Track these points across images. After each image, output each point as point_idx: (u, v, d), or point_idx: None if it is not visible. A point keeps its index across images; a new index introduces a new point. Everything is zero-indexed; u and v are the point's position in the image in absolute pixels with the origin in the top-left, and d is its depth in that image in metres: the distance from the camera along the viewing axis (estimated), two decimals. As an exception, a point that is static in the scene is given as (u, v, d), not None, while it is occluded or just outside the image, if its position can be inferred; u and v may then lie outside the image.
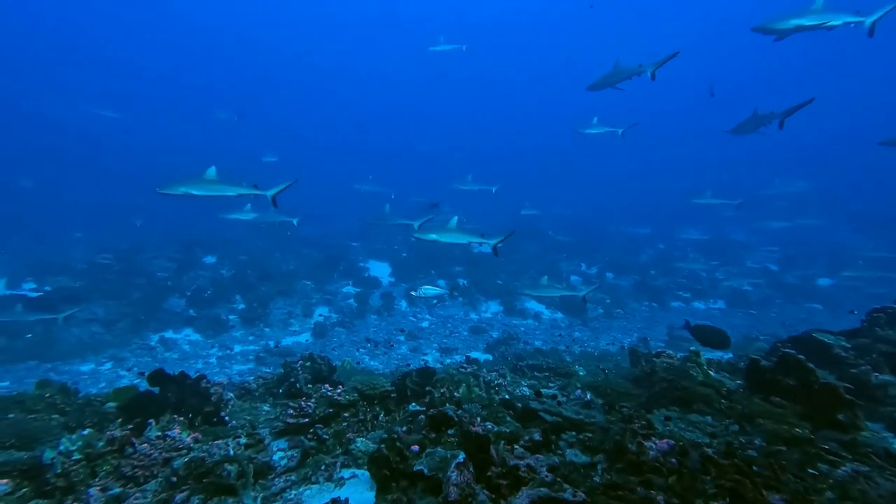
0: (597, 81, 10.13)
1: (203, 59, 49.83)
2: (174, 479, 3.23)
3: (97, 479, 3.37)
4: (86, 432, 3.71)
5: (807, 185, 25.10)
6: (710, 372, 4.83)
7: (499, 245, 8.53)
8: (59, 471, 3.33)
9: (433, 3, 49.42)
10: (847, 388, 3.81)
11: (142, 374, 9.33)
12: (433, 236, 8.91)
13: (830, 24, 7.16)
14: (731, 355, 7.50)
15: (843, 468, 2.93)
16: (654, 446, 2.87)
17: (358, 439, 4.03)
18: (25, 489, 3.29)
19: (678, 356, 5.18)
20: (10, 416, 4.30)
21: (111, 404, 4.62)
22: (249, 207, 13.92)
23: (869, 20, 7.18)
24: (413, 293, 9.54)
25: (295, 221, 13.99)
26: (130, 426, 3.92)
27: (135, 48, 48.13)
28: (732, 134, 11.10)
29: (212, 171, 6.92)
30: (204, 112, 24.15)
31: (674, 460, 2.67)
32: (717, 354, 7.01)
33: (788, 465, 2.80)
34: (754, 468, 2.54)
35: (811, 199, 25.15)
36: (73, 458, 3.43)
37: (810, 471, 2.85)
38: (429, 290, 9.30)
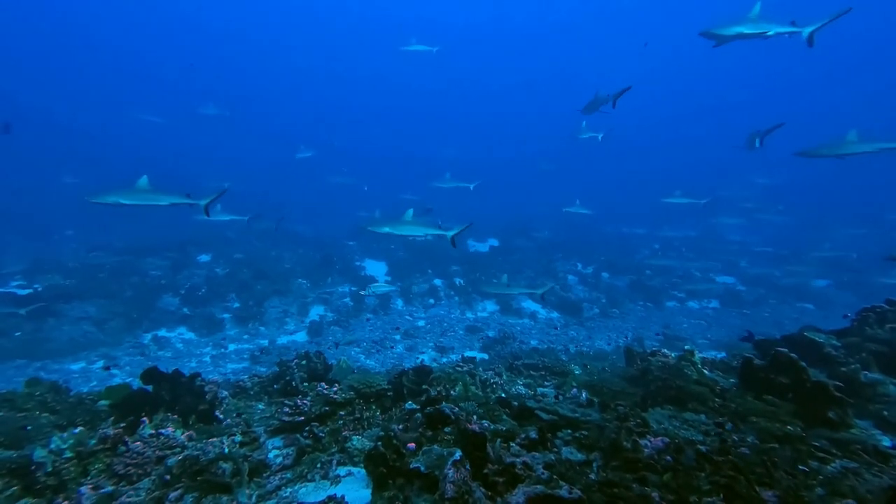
0: (585, 107, 11.67)
1: (209, 62, 50.06)
2: (168, 477, 3.20)
3: (89, 478, 3.33)
4: (77, 430, 3.67)
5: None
6: (705, 371, 4.87)
7: (456, 237, 8.50)
8: (49, 469, 3.29)
9: (438, 10, 49.80)
10: (837, 386, 3.86)
11: (106, 368, 9.29)
12: (387, 229, 8.80)
13: (768, 33, 7.31)
14: (724, 354, 7.57)
15: (833, 465, 2.97)
16: (649, 444, 2.89)
17: (354, 437, 4.02)
18: (14, 488, 3.24)
19: (673, 355, 5.22)
20: (0, 414, 4.25)
21: (103, 402, 4.57)
22: (220, 209, 14.65)
23: (806, 31, 7.28)
24: (362, 293, 9.53)
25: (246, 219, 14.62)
26: (123, 424, 3.88)
27: (138, 50, 48.22)
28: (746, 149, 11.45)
29: (143, 181, 7.06)
30: (200, 108, 23.82)
31: (669, 457, 2.70)
32: (711, 353, 7.06)
33: (781, 462, 2.83)
34: (747, 465, 2.57)
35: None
36: (64, 456, 3.39)
37: (801, 467, 2.88)
38: (378, 287, 9.29)
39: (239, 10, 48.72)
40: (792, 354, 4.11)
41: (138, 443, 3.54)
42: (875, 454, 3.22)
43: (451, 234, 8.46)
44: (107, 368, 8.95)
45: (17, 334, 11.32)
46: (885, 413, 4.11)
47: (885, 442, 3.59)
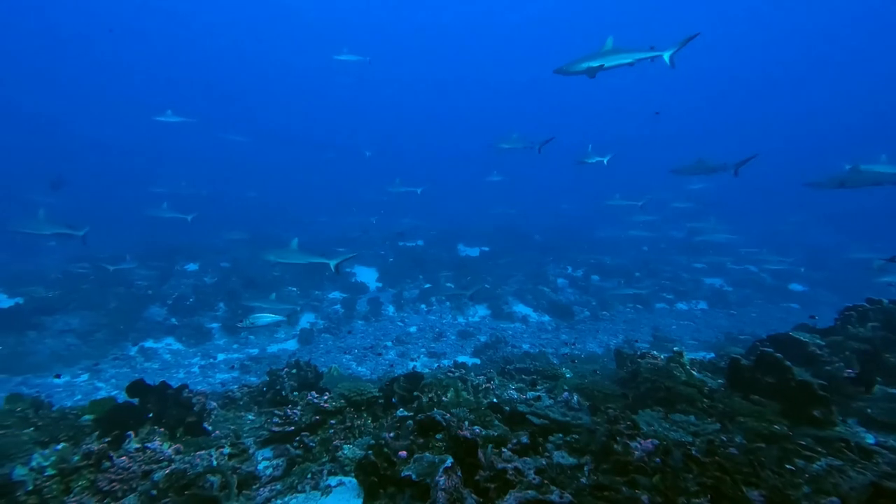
0: (496, 143, 12.73)
1: (207, 63, 49.73)
2: (154, 492, 3.13)
3: (72, 496, 3.24)
4: (60, 447, 3.57)
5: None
6: (693, 372, 4.93)
7: (339, 265, 9.07)
8: (30, 488, 3.19)
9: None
10: (821, 384, 3.95)
11: (57, 376, 9.35)
12: (271, 258, 9.62)
13: (605, 65, 7.56)
14: (713, 355, 7.68)
15: (819, 463, 3.03)
16: (638, 446, 2.92)
17: (345, 446, 3.97)
18: (-6, 508, 3.15)
19: (662, 357, 5.28)
20: (-22, 431, 4.11)
21: (87, 417, 4.46)
22: (166, 206, 16.07)
23: (667, 54, 7.65)
24: (239, 325, 7.84)
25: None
26: (108, 439, 3.79)
27: (130, 52, 47.79)
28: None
29: (41, 213, 9.53)
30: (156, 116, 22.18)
31: (658, 459, 2.72)
32: (700, 354, 7.14)
33: (767, 461, 2.88)
34: (734, 465, 2.60)
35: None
36: (46, 473, 3.30)
37: (788, 466, 2.93)
38: (261, 318, 7.56)
39: (224, 11, 48.53)
40: (777, 354, 4.20)
41: (123, 458, 3.45)
42: (859, 451, 3.30)
43: (333, 262, 8.91)
44: (57, 376, 9.36)
45: (-4, 348, 11.00)
46: (869, 410, 4.21)
47: (869, 439, 3.67)
